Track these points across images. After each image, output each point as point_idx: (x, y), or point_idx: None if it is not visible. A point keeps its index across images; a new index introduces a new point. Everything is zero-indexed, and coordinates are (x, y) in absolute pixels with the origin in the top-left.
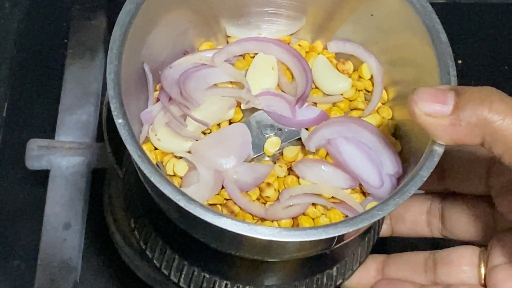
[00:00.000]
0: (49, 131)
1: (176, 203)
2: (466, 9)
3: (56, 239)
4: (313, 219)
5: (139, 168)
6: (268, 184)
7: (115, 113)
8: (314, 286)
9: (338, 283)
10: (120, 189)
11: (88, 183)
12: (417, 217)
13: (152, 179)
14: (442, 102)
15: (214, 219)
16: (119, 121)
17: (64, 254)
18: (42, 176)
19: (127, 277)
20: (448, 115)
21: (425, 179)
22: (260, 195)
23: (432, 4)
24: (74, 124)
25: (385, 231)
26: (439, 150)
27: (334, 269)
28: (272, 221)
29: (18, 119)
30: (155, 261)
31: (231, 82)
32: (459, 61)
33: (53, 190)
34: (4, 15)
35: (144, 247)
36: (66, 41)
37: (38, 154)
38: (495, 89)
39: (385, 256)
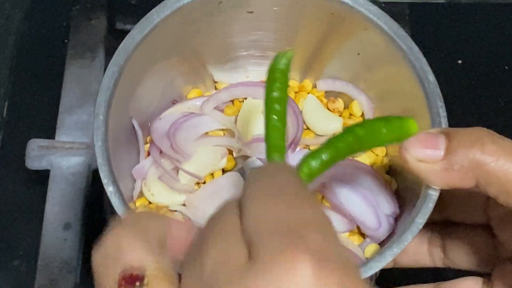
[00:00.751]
0: (49, 131)
1: None
2: (466, 9)
3: (56, 239)
4: None
5: None
6: None
7: (105, 181)
8: None
9: None
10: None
11: (88, 183)
12: (418, 248)
13: None
14: (433, 147)
15: None
16: (109, 189)
17: (64, 254)
18: (42, 176)
19: None
20: (440, 160)
21: (421, 226)
22: None
23: (432, 4)
24: (74, 124)
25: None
26: (434, 194)
27: None
28: None
29: (18, 119)
30: None
31: (222, 130)
32: (459, 61)
33: (53, 190)
34: (4, 15)
35: None
36: (66, 41)
37: (38, 154)
38: (485, 129)
39: None
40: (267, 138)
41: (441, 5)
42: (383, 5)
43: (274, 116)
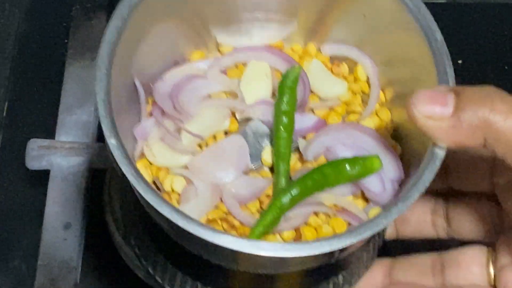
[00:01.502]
0: (49, 131)
1: (174, 223)
2: (466, 9)
3: (56, 239)
4: (315, 228)
5: (135, 189)
6: (268, 196)
7: (106, 133)
8: None
9: None
10: (117, 198)
11: (88, 183)
12: (421, 218)
13: (148, 199)
14: (442, 104)
15: (214, 238)
16: (111, 142)
17: (64, 254)
18: (42, 176)
19: (127, 277)
20: (449, 117)
21: (428, 184)
22: (260, 207)
23: (432, 4)
24: (74, 124)
25: (390, 233)
26: (441, 153)
27: (340, 276)
28: (274, 234)
29: (18, 119)
30: (157, 277)
31: (225, 92)
32: (459, 61)
33: (53, 190)
34: (4, 15)
35: (145, 263)
36: (66, 41)
37: (38, 154)
38: (495, 88)
39: (391, 260)
40: (275, 146)
41: (441, 5)
42: None
43: (282, 128)
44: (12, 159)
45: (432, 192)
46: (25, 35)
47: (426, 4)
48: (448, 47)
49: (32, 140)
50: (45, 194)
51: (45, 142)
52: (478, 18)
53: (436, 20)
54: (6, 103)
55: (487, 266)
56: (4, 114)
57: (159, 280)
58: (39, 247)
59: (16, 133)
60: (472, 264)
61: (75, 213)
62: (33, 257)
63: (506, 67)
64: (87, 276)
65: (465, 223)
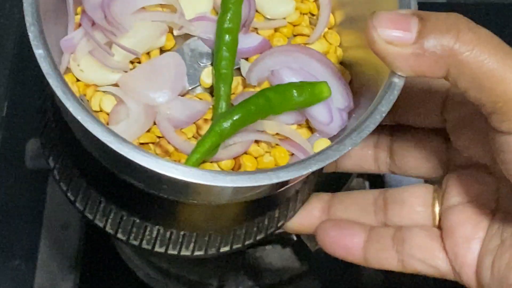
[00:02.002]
0: None
1: (105, 144)
2: (466, 9)
3: (56, 239)
4: (256, 158)
5: (63, 106)
6: (206, 121)
7: (34, 42)
8: (255, 229)
9: (279, 225)
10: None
11: None
12: (363, 152)
13: (79, 118)
14: (404, 29)
15: (151, 164)
16: (39, 52)
17: (64, 254)
18: (42, 176)
19: (126, 277)
20: (411, 44)
21: (384, 115)
22: (197, 132)
23: (432, 4)
24: None
25: (328, 166)
26: (399, 82)
27: (276, 211)
28: (211, 162)
29: (18, 119)
30: (77, 205)
31: (162, 6)
32: None
33: (53, 190)
34: (4, 15)
35: (65, 188)
36: None
37: (38, 154)
38: (462, 16)
39: (331, 195)
40: (216, 67)
41: (441, 5)
42: None
43: (224, 47)
44: (12, 159)
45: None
46: (25, 35)
47: (426, 4)
48: None
49: (32, 140)
50: (45, 194)
51: None
52: (478, 18)
53: None
54: (6, 103)
55: (433, 206)
56: (4, 114)
57: (80, 207)
58: (39, 247)
59: (16, 133)
60: (416, 203)
61: (75, 213)
62: (33, 257)
63: None
64: (87, 276)
65: (410, 159)
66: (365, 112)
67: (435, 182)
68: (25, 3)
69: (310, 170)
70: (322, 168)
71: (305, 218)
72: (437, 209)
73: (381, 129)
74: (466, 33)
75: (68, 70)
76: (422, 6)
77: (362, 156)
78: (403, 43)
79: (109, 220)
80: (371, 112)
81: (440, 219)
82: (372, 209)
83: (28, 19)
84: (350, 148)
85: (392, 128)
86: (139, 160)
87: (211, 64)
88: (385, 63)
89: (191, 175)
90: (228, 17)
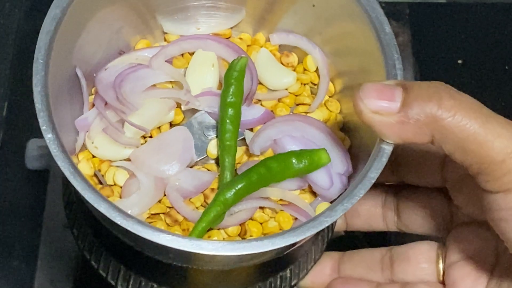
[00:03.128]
0: None
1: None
2: (466, 9)
3: (56, 239)
4: (261, 223)
5: (72, 186)
6: (212, 190)
7: (43, 127)
8: None
9: (292, 284)
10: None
11: None
12: (371, 211)
13: (86, 196)
14: (389, 99)
15: (153, 236)
16: (48, 136)
17: (64, 254)
18: (42, 176)
19: None
20: (396, 113)
21: (373, 181)
22: (204, 201)
23: (432, 4)
24: None
25: (340, 226)
26: (388, 149)
27: (288, 271)
28: (219, 229)
29: (18, 119)
30: (100, 271)
31: (170, 82)
32: (459, 61)
33: (53, 190)
34: (4, 15)
35: (88, 256)
36: None
37: (38, 154)
38: (444, 84)
39: (341, 254)
40: (220, 139)
41: (441, 5)
42: (383, 5)
43: (227, 120)
44: (12, 159)
45: (383, 185)
46: (25, 35)
47: (426, 4)
48: (448, 47)
49: (32, 140)
50: (45, 194)
51: (45, 142)
52: (478, 18)
53: (436, 20)
54: (6, 103)
55: (437, 262)
56: (4, 114)
57: (103, 274)
58: (39, 247)
59: (16, 133)
60: (421, 259)
61: None
62: (33, 257)
63: (506, 67)
64: (87, 276)
65: (415, 217)
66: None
67: (441, 238)
68: (35, 91)
69: (304, 236)
70: (330, 229)
71: (317, 277)
72: (441, 265)
73: (388, 188)
74: (448, 99)
75: (84, 147)
76: (422, 6)
77: (371, 215)
78: (389, 112)
79: (130, 286)
80: (362, 178)
81: (444, 275)
82: (379, 267)
83: (38, 105)
84: (341, 213)
85: (398, 188)
86: (141, 233)
87: (217, 136)
88: (373, 132)
89: (190, 246)
90: (230, 92)
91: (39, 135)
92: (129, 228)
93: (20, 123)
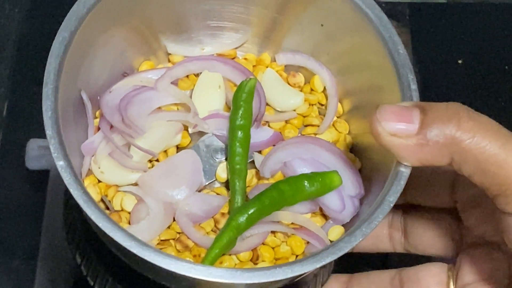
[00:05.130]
0: None
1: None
2: (466, 9)
3: (56, 239)
4: (273, 248)
5: (86, 214)
6: (223, 215)
7: (55, 154)
8: None
9: None
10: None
11: None
12: (378, 232)
13: (101, 225)
14: (407, 121)
15: (170, 265)
16: (60, 163)
17: (64, 254)
18: (42, 176)
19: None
20: (414, 135)
21: (392, 205)
22: (215, 226)
23: (432, 4)
24: None
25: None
26: (406, 172)
27: None
28: (230, 255)
29: (18, 119)
30: None
31: (176, 104)
32: (459, 61)
33: (53, 190)
34: (4, 15)
35: (92, 283)
36: None
37: (38, 154)
38: (462, 105)
39: (349, 276)
40: (230, 162)
41: (441, 5)
42: (383, 5)
43: (237, 143)
44: (12, 159)
45: None
46: (25, 35)
47: (426, 4)
48: (448, 47)
49: (32, 140)
50: (45, 194)
51: (45, 142)
52: (478, 18)
53: (436, 20)
54: (6, 103)
55: (447, 284)
56: (4, 114)
57: None
58: (39, 247)
59: (16, 133)
60: (431, 282)
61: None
62: (33, 257)
63: (506, 67)
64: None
65: (424, 238)
66: (375, 200)
67: (450, 260)
68: (45, 117)
69: (324, 263)
70: None
71: None
72: (452, 287)
73: (395, 209)
74: (467, 121)
75: (89, 172)
76: (422, 6)
77: (378, 236)
78: (407, 135)
79: None
80: (380, 202)
81: None
82: None
83: (49, 132)
84: (361, 239)
85: (405, 208)
86: (159, 262)
87: (226, 159)
88: (391, 154)
89: (205, 274)
90: (239, 114)
91: (39, 135)
92: (146, 258)
93: (20, 123)
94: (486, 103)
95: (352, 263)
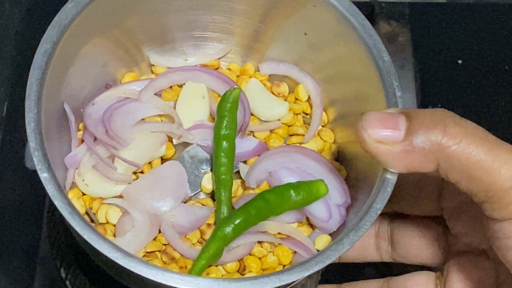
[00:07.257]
0: None
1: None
2: (466, 9)
3: None
4: (260, 258)
5: (71, 226)
6: (209, 225)
7: (38, 166)
8: None
9: None
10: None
11: None
12: (365, 241)
13: (86, 237)
14: (393, 128)
15: (157, 276)
16: (44, 176)
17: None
18: None
19: None
20: (400, 141)
21: (379, 212)
22: (201, 237)
23: (432, 4)
24: None
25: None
26: (392, 179)
27: None
28: (217, 266)
29: (18, 119)
30: None
31: (159, 116)
32: (459, 61)
33: None
34: (4, 15)
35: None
36: None
37: None
38: (447, 111)
39: (337, 286)
40: (215, 173)
41: (441, 5)
42: (383, 5)
43: (222, 153)
44: (12, 159)
45: None
46: (25, 35)
47: (426, 4)
48: (448, 47)
49: None
50: (45, 194)
51: None
52: (478, 18)
53: (436, 20)
54: (6, 103)
55: None
56: (4, 114)
57: None
58: (39, 247)
59: (16, 133)
60: None
61: None
62: (33, 257)
63: (506, 67)
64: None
65: (411, 246)
66: (361, 208)
67: (438, 269)
68: (28, 129)
69: (312, 271)
70: None
71: None
72: None
73: (381, 218)
74: (453, 127)
75: (73, 185)
76: (422, 6)
77: (364, 246)
78: (393, 141)
79: None
80: (367, 210)
81: None
82: None
83: (32, 144)
84: (348, 247)
85: (392, 217)
86: (145, 273)
87: (211, 170)
88: (377, 161)
89: (192, 284)
90: (224, 124)
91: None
92: (132, 269)
93: (20, 123)
94: (486, 103)
95: (339, 273)
